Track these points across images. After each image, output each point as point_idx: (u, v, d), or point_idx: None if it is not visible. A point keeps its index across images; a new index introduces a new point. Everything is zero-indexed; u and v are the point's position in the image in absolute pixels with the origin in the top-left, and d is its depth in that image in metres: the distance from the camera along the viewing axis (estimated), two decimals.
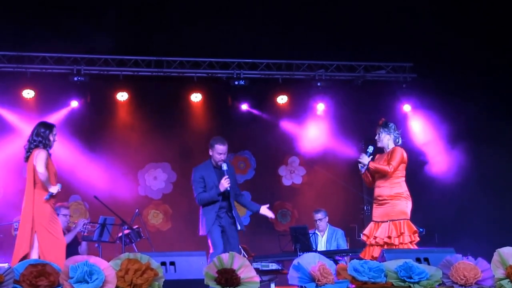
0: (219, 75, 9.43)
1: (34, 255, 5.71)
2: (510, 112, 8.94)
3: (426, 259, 5.01)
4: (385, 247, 5.97)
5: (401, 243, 5.95)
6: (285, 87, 9.64)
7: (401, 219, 6.05)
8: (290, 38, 8.85)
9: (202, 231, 6.40)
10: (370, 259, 5.89)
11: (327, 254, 6.60)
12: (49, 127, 5.93)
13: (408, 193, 6.21)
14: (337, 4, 8.64)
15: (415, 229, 6.06)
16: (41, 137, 5.84)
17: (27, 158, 5.86)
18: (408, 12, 8.53)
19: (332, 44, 8.93)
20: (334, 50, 9.09)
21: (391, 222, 6.05)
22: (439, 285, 4.78)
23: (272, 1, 8.74)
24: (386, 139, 6.27)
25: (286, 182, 10.18)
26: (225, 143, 6.41)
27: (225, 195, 6.34)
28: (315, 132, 9.70)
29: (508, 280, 4.83)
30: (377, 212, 6.18)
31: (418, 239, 6.07)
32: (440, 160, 9.25)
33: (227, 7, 8.62)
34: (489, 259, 4.91)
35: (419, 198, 9.04)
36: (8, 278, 4.04)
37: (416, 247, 5.99)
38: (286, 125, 9.83)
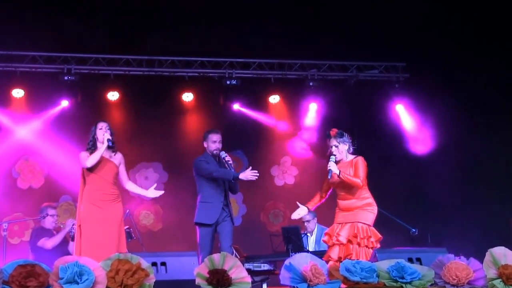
0: (211, 74, 9.39)
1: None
2: (504, 111, 8.95)
3: (418, 259, 5.02)
4: (346, 246, 5.78)
5: (366, 246, 5.74)
6: (277, 86, 9.61)
7: (366, 224, 5.82)
8: (282, 38, 8.82)
9: (195, 218, 6.44)
10: (328, 259, 5.83)
11: (319, 254, 6.56)
12: (93, 128, 6.13)
13: (373, 200, 5.97)
14: (329, 3, 8.62)
15: (380, 236, 5.85)
16: (90, 142, 6.11)
17: None
18: (401, 11, 8.52)
19: (325, 43, 8.90)
20: (326, 49, 9.07)
21: (357, 223, 5.82)
22: (431, 285, 4.77)
23: (264, 1, 8.71)
24: (344, 149, 6.00)
25: (279, 182, 10.14)
26: (218, 132, 6.59)
27: (224, 188, 6.51)
28: (307, 132, 9.69)
29: (500, 280, 4.82)
30: (343, 216, 5.93)
31: (379, 246, 5.83)
32: (433, 160, 9.24)
33: (219, 6, 8.58)
34: (481, 259, 4.90)
35: (413, 199, 9.12)
36: None
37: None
38: (278, 125, 9.81)
